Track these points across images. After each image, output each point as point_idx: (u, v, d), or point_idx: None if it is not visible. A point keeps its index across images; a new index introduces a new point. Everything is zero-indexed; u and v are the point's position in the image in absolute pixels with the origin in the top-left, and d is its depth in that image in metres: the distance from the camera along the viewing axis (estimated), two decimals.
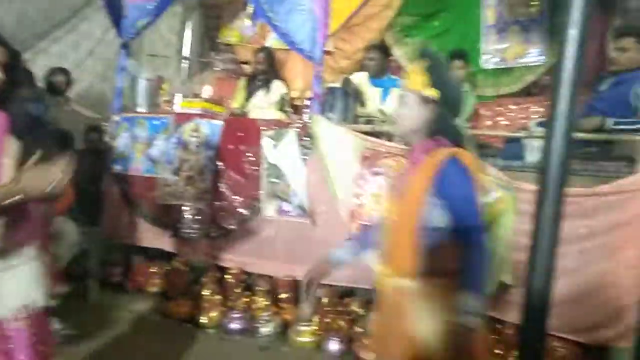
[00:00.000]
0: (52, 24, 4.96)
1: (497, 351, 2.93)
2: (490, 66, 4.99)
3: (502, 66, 4.95)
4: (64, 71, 4.54)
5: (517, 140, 3.34)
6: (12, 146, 1.63)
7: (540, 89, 4.82)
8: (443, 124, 1.72)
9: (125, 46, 4.18)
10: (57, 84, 4.40)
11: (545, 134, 1.00)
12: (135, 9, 3.97)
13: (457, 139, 1.72)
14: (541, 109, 4.55)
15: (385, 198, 1.85)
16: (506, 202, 2.90)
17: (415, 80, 1.73)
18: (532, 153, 3.16)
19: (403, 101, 1.76)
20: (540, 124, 3.30)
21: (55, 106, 4.09)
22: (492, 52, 4.99)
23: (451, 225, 1.61)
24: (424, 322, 1.62)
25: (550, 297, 1.08)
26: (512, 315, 2.83)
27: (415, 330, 1.62)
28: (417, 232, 1.62)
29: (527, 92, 4.96)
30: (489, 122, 4.91)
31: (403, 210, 1.68)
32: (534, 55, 4.82)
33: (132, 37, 4.17)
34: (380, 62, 4.32)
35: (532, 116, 4.57)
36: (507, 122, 4.85)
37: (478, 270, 1.60)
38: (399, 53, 5.19)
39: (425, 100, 1.71)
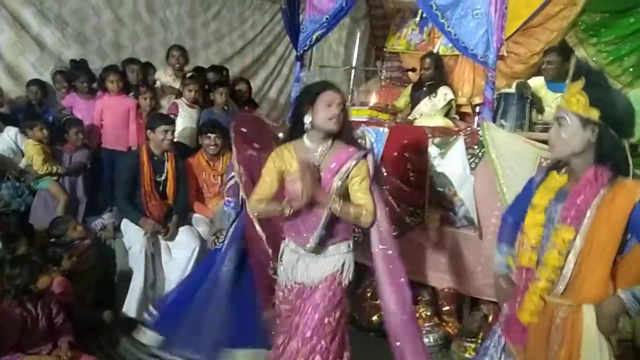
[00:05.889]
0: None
1: None
2: None
3: None
4: (245, 80, 4.99)
5: None
6: None
7: None
8: (609, 148, 1.59)
9: (300, 58, 4.46)
10: (240, 92, 4.84)
11: None
12: (311, 22, 4.21)
13: (624, 165, 1.62)
14: None
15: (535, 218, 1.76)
16: None
17: (574, 100, 1.60)
18: None
19: (561, 124, 1.64)
20: None
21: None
22: None
23: None
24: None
25: None
26: None
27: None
28: (610, 264, 1.61)
29: None
30: None
31: (593, 241, 1.60)
32: None
33: (306, 50, 4.43)
34: (560, 66, 4.00)
35: None
36: None
37: None
38: (582, 54, 4.72)
39: (587, 122, 1.58)
